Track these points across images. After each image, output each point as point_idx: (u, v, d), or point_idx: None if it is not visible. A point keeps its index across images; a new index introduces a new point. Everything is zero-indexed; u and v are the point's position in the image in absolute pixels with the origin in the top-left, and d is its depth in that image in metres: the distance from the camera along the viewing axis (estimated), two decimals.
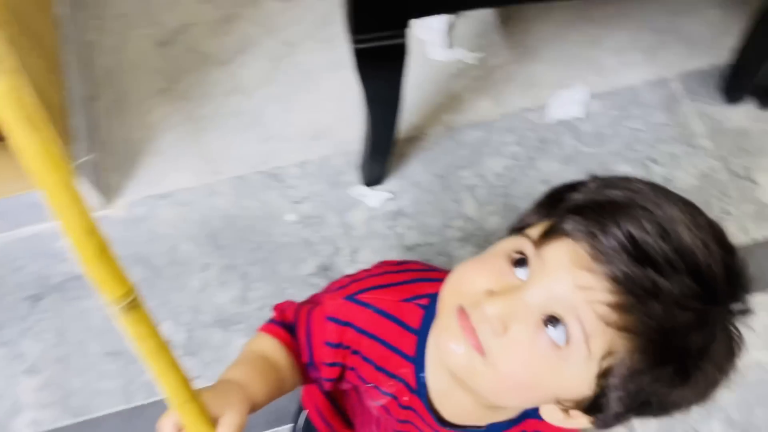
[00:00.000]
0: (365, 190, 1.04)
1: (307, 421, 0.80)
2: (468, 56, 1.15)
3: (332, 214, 1.03)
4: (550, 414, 0.46)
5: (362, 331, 0.54)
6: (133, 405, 0.90)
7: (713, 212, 0.45)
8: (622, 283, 0.38)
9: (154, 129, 1.08)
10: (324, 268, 0.99)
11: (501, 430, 0.55)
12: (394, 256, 1.00)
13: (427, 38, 1.14)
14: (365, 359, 0.55)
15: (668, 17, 1.18)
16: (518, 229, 0.46)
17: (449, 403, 0.54)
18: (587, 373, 0.41)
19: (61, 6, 1.07)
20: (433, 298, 0.53)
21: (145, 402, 0.90)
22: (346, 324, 0.54)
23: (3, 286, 0.96)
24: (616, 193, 0.41)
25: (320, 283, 0.97)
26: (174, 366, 0.40)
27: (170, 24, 1.15)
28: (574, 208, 0.41)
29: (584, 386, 0.42)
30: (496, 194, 1.05)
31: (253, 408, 0.48)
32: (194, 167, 1.05)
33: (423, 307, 0.53)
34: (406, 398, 0.56)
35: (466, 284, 0.44)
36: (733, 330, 0.41)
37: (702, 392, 0.42)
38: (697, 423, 0.92)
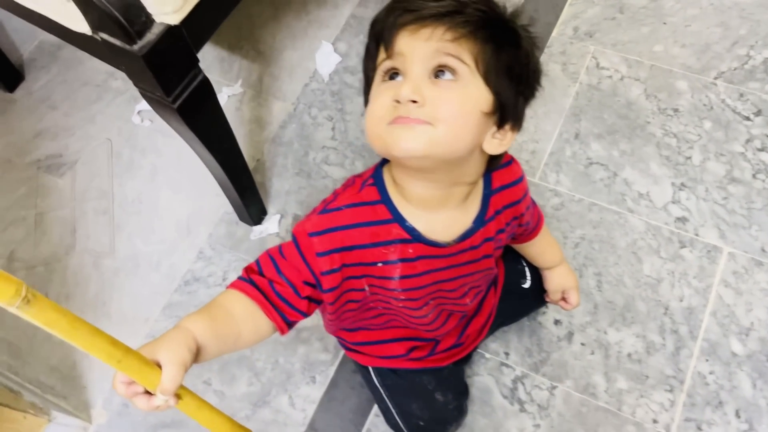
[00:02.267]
0: (260, 227, 1.14)
1: (378, 374, 0.89)
2: (233, 89, 1.29)
3: None
4: (491, 146, 0.61)
5: (345, 227, 0.63)
6: None
7: None
8: (444, 14, 0.56)
9: (64, 343, 1.07)
10: None
11: (482, 219, 0.69)
12: None
13: None
14: (362, 246, 0.64)
15: None
16: (371, 75, 0.62)
17: (438, 226, 0.66)
18: (479, 82, 0.57)
19: None
20: (373, 176, 0.66)
21: None
22: (328, 230, 0.63)
23: None
24: None
25: None
26: (95, 333, 0.43)
27: None
28: (384, 17, 0.59)
29: (486, 93, 0.58)
30: (345, 148, 1.21)
31: (201, 355, 0.55)
32: (125, 334, 1.05)
33: (372, 183, 0.66)
34: (410, 250, 0.65)
35: (378, 112, 0.58)
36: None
37: (533, 46, 0.61)
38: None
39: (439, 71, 0.57)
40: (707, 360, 0.96)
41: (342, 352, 1.02)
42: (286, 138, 1.23)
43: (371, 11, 1.35)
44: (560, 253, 0.89)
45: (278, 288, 0.63)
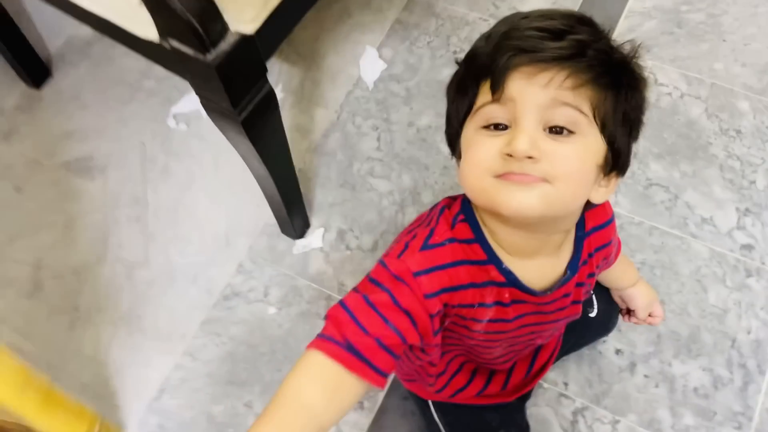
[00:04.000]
0: (303, 241, 1.09)
1: (439, 408, 0.84)
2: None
3: (299, 279, 1.06)
4: (598, 195, 0.56)
5: (450, 265, 0.57)
6: None
7: None
8: (566, 58, 0.50)
9: (96, 358, 1.02)
10: None
11: (576, 265, 0.64)
12: (369, 264, 1.06)
13: None
14: (463, 287, 0.58)
15: None
16: (462, 113, 0.56)
17: (532, 273, 0.61)
18: (596, 133, 0.53)
19: None
20: (464, 211, 0.60)
21: None
22: (434, 269, 0.56)
23: None
24: (498, 27, 0.54)
25: None
26: None
27: (22, 273, 1.09)
28: (491, 53, 0.52)
29: (601, 144, 0.53)
30: (391, 160, 1.15)
31: None
32: (161, 351, 1.02)
33: (464, 220, 0.60)
34: (506, 295, 0.61)
35: (483, 164, 0.52)
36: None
37: (645, 84, 0.56)
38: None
39: (555, 129, 0.51)
40: None
41: (392, 375, 0.98)
42: (329, 147, 1.18)
43: (417, 17, 1.30)
44: (636, 270, 0.84)
45: (386, 342, 0.52)
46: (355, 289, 0.55)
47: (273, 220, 1.09)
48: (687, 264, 1.02)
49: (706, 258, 1.02)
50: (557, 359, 0.90)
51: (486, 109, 0.53)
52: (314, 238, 1.09)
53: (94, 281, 1.09)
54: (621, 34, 1.24)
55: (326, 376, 0.50)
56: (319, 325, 1.04)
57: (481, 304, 0.61)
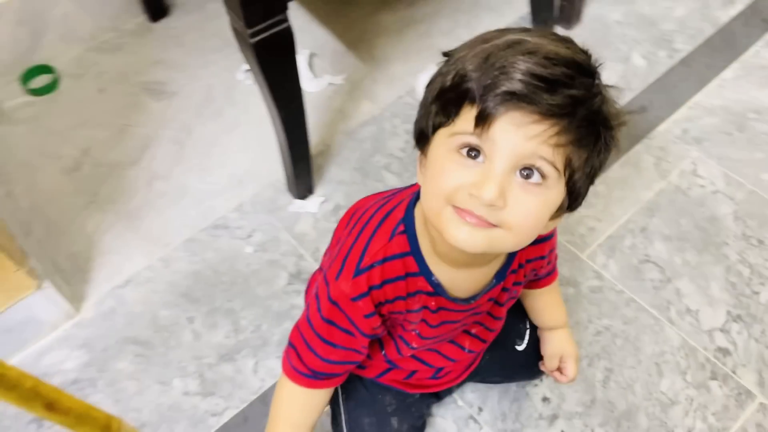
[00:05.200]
0: (301, 203, 1.15)
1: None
2: (335, 79, 1.34)
3: (283, 233, 1.12)
4: (545, 229, 0.56)
5: (381, 285, 0.62)
6: None
7: None
8: (554, 115, 0.48)
9: (92, 237, 1.13)
10: (296, 276, 1.07)
11: (504, 273, 0.67)
12: None
13: None
14: (395, 299, 0.63)
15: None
16: (435, 124, 0.54)
17: (462, 281, 0.65)
18: (561, 185, 0.53)
19: None
20: (405, 220, 0.63)
21: None
22: (367, 293, 0.61)
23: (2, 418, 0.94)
24: (497, 44, 0.50)
25: (299, 288, 1.05)
26: None
27: (71, 153, 1.24)
28: (481, 88, 0.49)
29: (563, 194, 0.53)
30: (410, 163, 1.21)
31: None
32: (143, 250, 1.12)
33: (403, 232, 0.63)
34: (432, 303, 0.65)
35: (446, 190, 0.52)
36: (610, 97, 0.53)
37: (617, 144, 0.54)
38: None
39: (527, 170, 0.50)
40: None
41: None
42: (361, 135, 1.25)
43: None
44: (565, 315, 0.82)
45: (343, 359, 0.67)
46: (307, 312, 0.66)
47: (284, 179, 1.17)
48: (652, 345, 0.96)
49: (675, 346, 0.96)
50: (471, 379, 0.87)
51: (464, 138, 0.51)
52: (311, 203, 1.15)
53: (120, 178, 1.22)
54: (677, 120, 1.23)
55: (306, 400, 0.70)
56: (282, 278, 1.09)
57: (409, 311, 0.65)
